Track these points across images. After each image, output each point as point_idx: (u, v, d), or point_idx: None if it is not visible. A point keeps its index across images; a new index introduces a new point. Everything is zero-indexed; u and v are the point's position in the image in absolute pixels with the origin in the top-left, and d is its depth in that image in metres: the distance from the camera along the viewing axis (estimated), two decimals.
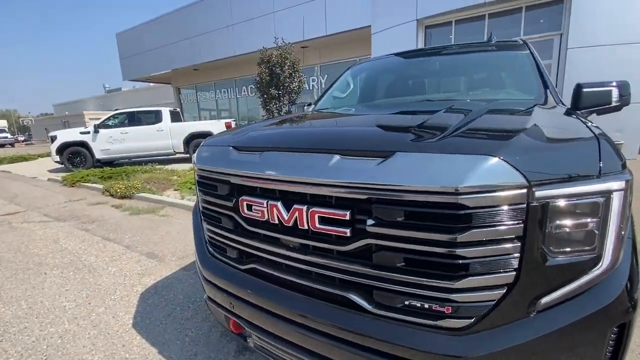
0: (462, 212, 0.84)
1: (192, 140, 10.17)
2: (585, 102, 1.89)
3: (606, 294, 0.89)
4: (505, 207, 0.84)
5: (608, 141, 0.94)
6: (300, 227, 1.07)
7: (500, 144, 0.90)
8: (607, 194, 0.85)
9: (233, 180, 1.25)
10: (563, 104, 1.85)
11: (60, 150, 9.50)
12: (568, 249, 0.88)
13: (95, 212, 5.22)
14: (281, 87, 8.22)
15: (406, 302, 0.97)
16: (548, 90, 1.89)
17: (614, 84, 1.87)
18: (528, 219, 0.84)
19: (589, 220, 0.86)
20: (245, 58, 14.16)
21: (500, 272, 0.88)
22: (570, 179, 0.85)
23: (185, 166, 9.04)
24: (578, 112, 1.71)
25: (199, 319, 2.28)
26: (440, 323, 0.94)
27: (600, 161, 0.87)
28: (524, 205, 0.84)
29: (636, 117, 5.59)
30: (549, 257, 0.87)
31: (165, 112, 10.41)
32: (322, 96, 2.90)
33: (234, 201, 1.26)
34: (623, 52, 6.28)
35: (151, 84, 28.54)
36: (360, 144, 1.07)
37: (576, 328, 0.88)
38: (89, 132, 9.68)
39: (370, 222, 0.95)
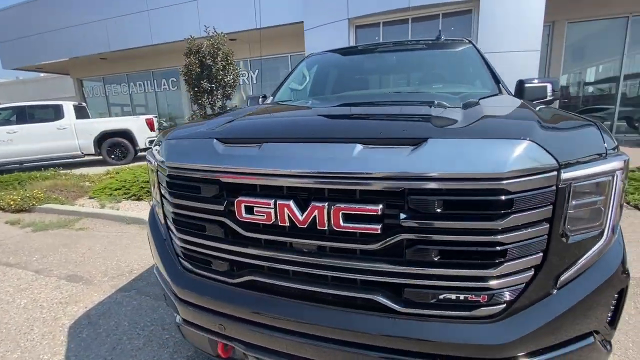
0: (505, 197, 0.82)
1: (106, 140, 8.81)
2: (528, 96, 2.12)
3: (610, 264, 0.98)
4: (540, 190, 0.85)
5: (601, 126, 1.03)
6: (319, 227, 0.94)
7: (527, 128, 0.91)
8: (612, 173, 0.93)
9: (224, 178, 1.04)
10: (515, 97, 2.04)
11: None
12: (582, 227, 0.94)
13: (21, 236, 4.11)
14: (214, 80, 7.62)
15: (440, 297, 0.92)
16: (500, 84, 2.07)
17: (549, 80, 2.14)
18: (557, 200, 0.87)
19: (599, 198, 0.93)
20: (164, 48, 12.81)
21: (532, 255, 0.89)
22: (588, 161, 0.90)
23: (98, 170, 7.76)
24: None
25: (155, 346, 1.94)
26: (474, 313, 0.92)
27: (604, 142, 0.94)
28: (554, 188, 0.86)
29: None
30: (569, 235, 0.91)
31: (68, 107, 8.80)
32: (279, 88, 2.73)
33: (224, 204, 1.05)
34: (520, 58, 7.45)
35: (42, 75, 23.96)
36: (384, 131, 0.99)
37: (590, 299, 0.94)
38: None
39: (404, 215, 0.88)
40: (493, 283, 0.89)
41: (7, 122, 8.25)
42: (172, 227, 1.26)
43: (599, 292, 0.95)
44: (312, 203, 0.93)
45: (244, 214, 1.02)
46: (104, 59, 15.07)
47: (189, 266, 1.25)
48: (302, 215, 0.94)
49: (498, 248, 0.86)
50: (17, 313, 2.33)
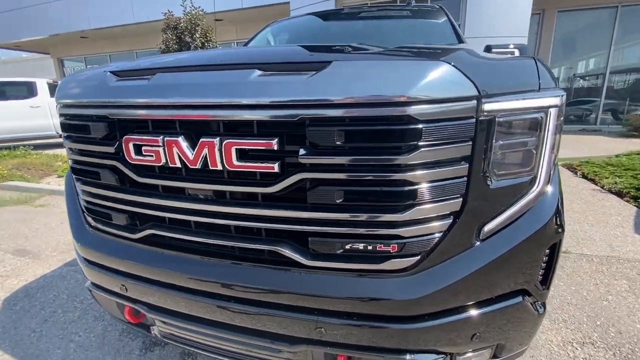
0: (413, 126, 0.70)
1: None
2: None
3: (541, 217, 0.87)
4: (456, 122, 0.73)
5: (540, 61, 0.91)
6: (212, 167, 0.81)
7: (449, 54, 0.79)
8: (545, 110, 0.82)
9: (113, 113, 0.90)
10: None
11: None
12: (509, 171, 0.83)
13: None
14: None
15: (347, 247, 0.81)
16: (463, 44, 1.95)
17: (517, 46, 2.02)
18: (476, 135, 0.75)
19: (529, 138, 0.82)
20: (147, 27, 12.29)
21: (448, 199, 0.78)
22: (515, 92, 0.78)
23: None
24: None
25: (90, 319, 1.82)
26: (384, 266, 0.81)
27: (539, 78, 0.83)
28: (473, 120, 0.74)
29: None
30: (494, 179, 0.81)
31: (42, 84, 8.40)
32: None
33: (116, 144, 0.92)
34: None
35: (24, 55, 23.06)
36: (286, 57, 0.86)
37: (517, 253, 0.84)
38: None
39: (303, 151, 0.76)
40: (403, 230, 0.78)
41: None
42: (74, 177, 1.12)
43: (527, 246, 0.85)
44: (202, 138, 0.80)
45: (133, 155, 0.89)
46: (84, 38, 14.48)
47: (92, 222, 1.12)
48: (192, 154, 0.82)
49: (406, 188, 0.74)
50: None
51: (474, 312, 0.85)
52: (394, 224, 0.77)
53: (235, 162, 0.79)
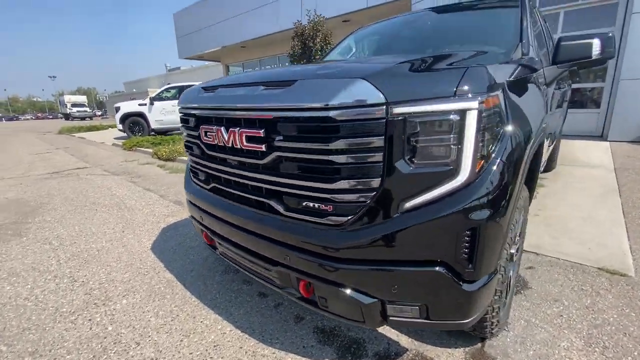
0: (332, 124, 1.04)
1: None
2: (563, 56, 1.87)
3: (458, 202, 1.04)
4: (369, 121, 1.02)
5: (480, 71, 1.05)
6: (235, 146, 1.35)
7: (368, 71, 1.08)
8: (461, 112, 0.99)
9: (198, 113, 1.55)
10: (531, 57, 1.84)
11: (123, 119, 10.79)
12: (425, 161, 1.04)
13: (143, 170, 6.04)
14: (312, 60, 8.38)
15: (304, 204, 1.21)
16: (521, 43, 1.88)
17: (596, 37, 1.81)
18: (387, 132, 1.02)
19: (443, 135, 1.01)
20: (287, 34, 14.35)
21: (367, 178, 1.07)
22: (423, 99, 1.00)
23: None
24: (529, 64, 1.72)
25: (202, 248, 2.73)
26: (325, 220, 1.17)
27: (458, 85, 1.00)
28: (384, 120, 1.01)
29: None
30: (409, 166, 1.04)
31: None
32: (322, 58, 3.08)
33: (198, 131, 1.57)
34: None
35: (206, 63, 30.18)
36: (279, 77, 1.30)
37: (431, 228, 1.05)
38: (145, 104, 10.81)
39: (278, 138, 1.20)
40: (334, 196, 1.12)
41: (173, 97, 11.14)
42: (185, 151, 1.88)
43: (443, 224, 1.05)
44: (230, 128, 1.34)
45: (204, 138, 1.51)
46: (243, 47, 17.99)
47: (192, 177, 1.85)
48: (226, 138, 1.37)
49: (333, 166, 1.08)
50: (141, 216, 3.57)
51: (391, 267, 1.11)
52: (327, 191, 1.12)
53: (245, 143, 1.30)
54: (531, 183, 1.85)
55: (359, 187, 1.09)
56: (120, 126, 10.96)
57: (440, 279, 1.09)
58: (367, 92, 1.01)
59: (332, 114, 1.04)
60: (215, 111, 1.43)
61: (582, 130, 7.10)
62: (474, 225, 1.04)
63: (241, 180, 1.42)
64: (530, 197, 1.91)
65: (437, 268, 1.08)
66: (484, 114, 1.01)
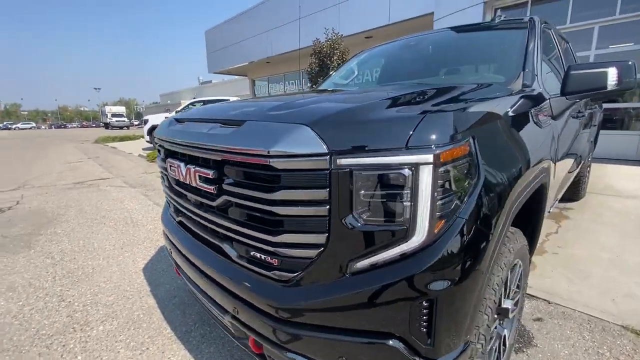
0: (272, 173, 0.94)
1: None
2: (573, 86, 1.67)
3: (412, 268, 0.89)
4: (311, 172, 0.91)
5: (440, 118, 0.92)
6: (192, 184, 1.28)
7: (315, 116, 0.97)
8: (413, 166, 0.86)
9: (165, 145, 1.51)
10: (533, 87, 1.66)
11: (150, 131, 11.29)
12: (375, 218, 0.91)
13: (158, 183, 6.21)
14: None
15: (252, 253, 1.11)
16: (524, 72, 1.71)
17: (612, 64, 1.61)
18: (332, 184, 0.90)
19: (394, 192, 0.88)
20: (309, 51, 14.60)
21: (312, 232, 0.96)
22: (371, 150, 0.88)
23: None
24: (531, 95, 1.54)
25: None
26: (271, 274, 1.06)
27: (410, 135, 0.87)
28: (327, 172, 0.90)
29: None
30: (358, 223, 0.92)
31: (230, 99, 11.51)
32: (324, 81, 3.02)
33: (166, 163, 1.53)
34: None
35: (236, 77, 31.39)
36: (235, 115, 1.23)
37: (381, 295, 0.91)
38: None
39: (227, 181, 1.11)
40: (279, 249, 1.01)
41: None
42: (161, 181, 1.85)
43: (395, 293, 0.91)
44: (187, 165, 1.28)
45: (170, 171, 1.47)
46: (268, 62, 18.49)
47: (168, 209, 1.81)
48: (184, 174, 1.31)
49: (274, 217, 0.98)
50: (144, 233, 3.61)
51: (337, 336, 0.97)
52: (272, 243, 1.02)
53: (199, 182, 1.23)
54: (533, 226, 1.64)
55: (303, 242, 0.98)
56: (147, 137, 11.46)
57: (395, 355, 0.93)
58: (309, 140, 0.91)
59: (272, 161, 0.94)
60: (177, 146, 1.38)
61: (618, 153, 6.51)
62: (430, 295, 0.89)
63: (199, 220, 1.35)
64: (534, 243, 1.70)
65: (390, 342, 0.93)
66: (442, 169, 0.87)
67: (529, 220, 1.64)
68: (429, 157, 0.85)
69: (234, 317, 1.20)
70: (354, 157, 0.88)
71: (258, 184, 1.00)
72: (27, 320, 2.11)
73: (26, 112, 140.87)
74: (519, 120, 1.32)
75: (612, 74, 1.58)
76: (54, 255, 3.08)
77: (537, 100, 1.57)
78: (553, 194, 1.90)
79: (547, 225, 3.34)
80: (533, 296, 2.20)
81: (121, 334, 1.96)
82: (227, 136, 1.09)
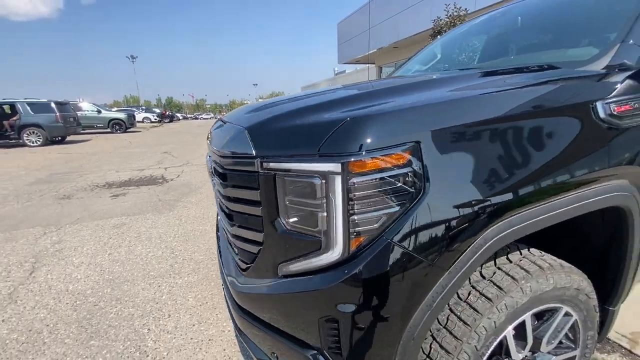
0: (221, 170, 1.04)
1: None
2: None
3: (322, 283, 0.84)
4: (247, 173, 0.96)
5: (363, 122, 0.79)
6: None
7: (252, 120, 0.99)
8: (323, 175, 0.80)
9: None
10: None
11: None
12: (298, 225, 0.88)
13: None
14: None
15: (229, 238, 1.25)
16: (622, 43, 1.18)
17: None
18: (261, 187, 0.93)
19: (309, 200, 0.84)
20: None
21: (253, 230, 1.01)
22: (290, 156, 0.85)
23: None
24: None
25: None
26: (237, 259, 1.17)
27: (324, 143, 0.80)
28: (257, 175, 0.93)
29: None
30: (283, 227, 0.92)
31: None
32: (402, 64, 2.82)
33: None
34: None
35: (366, 66, 31.88)
36: (230, 116, 1.35)
37: (294, 305, 0.91)
38: None
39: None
40: (234, 240, 1.11)
41: None
42: None
43: (303, 305, 0.88)
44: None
45: None
46: (396, 48, 17.92)
47: None
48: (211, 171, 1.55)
49: (229, 211, 1.08)
50: None
51: (269, 331, 1.01)
52: (230, 232, 1.13)
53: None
54: (613, 269, 1.18)
55: (247, 236, 1.05)
56: None
57: None
58: (244, 143, 0.96)
59: (221, 161, 1.04)
60: None
61: None
62: (333, 315, 0.83)
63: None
64: (615, 290, 1.21)
65: (309, 353, 0.91)
66: (358, 180, 0.77)
67: (606, 260, 1.19)
68: (337, 167, 0.77)
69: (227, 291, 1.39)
70: (276, 162, 0.88)
71: (220, 181, 1.12)
72: (147, 262, 2.92)
73: (209, 106, 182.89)
74: (547, 119, 0.94)
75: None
76: (182, 218, 4.07)
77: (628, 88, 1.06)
78: None
79: None
80: (610, 341, 1.56)
81: (196, 286, 2.48)
82: (218, 135, 1.25)
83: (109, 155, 9.93)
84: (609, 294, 1.24)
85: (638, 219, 1.10)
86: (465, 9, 7.77)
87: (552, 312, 1.09)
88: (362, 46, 19.73)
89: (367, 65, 28.83)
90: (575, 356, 1.19)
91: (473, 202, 0.82)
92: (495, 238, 0.84)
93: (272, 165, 0.89)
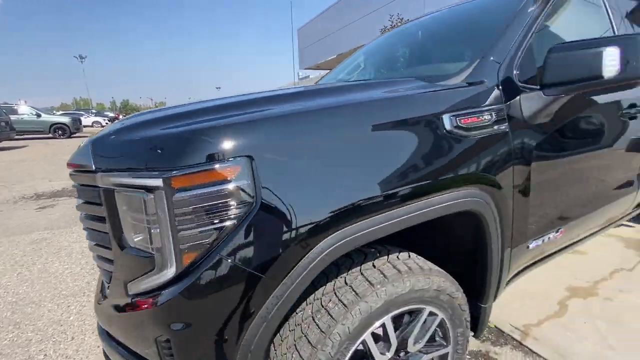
0: (73, 185, 0.99)
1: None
2: (553, 76, 1.19)
3: (159, 300, 0.81)
4: (90, 188, 0.92)
5: (190, 135, 0.79)
6: None
7: (104, 131, 0.96)
8: (150, 191, 0.77)
9: None
10: (484, 81, 1.22)
11: None
12: (140, 242, 0.85)
13: None
14: None
15: None
16: (481, 60, 1.28)
17: (613, 41, 1.08)
18: (103, 202, 0.89)
19: (139, 215, 0.81)
20: None
21: (103, 247, 0.96)
22: (120, 170, 0.82)
23: None
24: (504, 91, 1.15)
25: None
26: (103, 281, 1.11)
27: (151, 156, 0.78)
28: (98, 189, 0.89)
29: None
30: (128, 244, 0.88)
31: None
32: (326, 75, 2.87)
33: None
34: None
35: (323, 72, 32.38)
36: None
37: (129, 320, 0.89)
38: None
39: None
40: (95, 261, 1.05)
41: None
42: None
43: (144, 325, 0.85)
44: None
45: None
46: None
47: None
48: None
49: (84, 227, 1.02)
50: None
51: (126, 353, 0.96)
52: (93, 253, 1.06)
53: None
54: (481, 267, 1.26)
55: (102, 254, 0.99)
56: None
57: None
58: (87, 155, 0.91)
59: (71, 175, 0.98)
60: None
61: None
62: (163, 334, 0.81)
63: None
64: (483, 289, 1.30)
65: None
66: (183, 195, 0.75)
67: (474, 260, 1.27)
68: (159, 181, 0.75)
69: None
70: (113, 176, 0.85)
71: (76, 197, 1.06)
72: (61, 280, 2.70)
73: None
74: (387, 130, 0.97)
75: (610, 56, 1.03)
76: None
77: (474, 100, 1.15)
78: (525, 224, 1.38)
79: (624, 257, 2.48)
80: (534, 352, 1.69)
81: None
82: None
83: (45, 163, 9.14)
84: (479, 292, 1.33)
85: (493, 223, 1.19)
86: (408, 19, 8.18)
87: (416, 313, 1.14)
88: (322, 52, 20.03)
89: (328, 70, 29.38)
90: (447, 353, 1.26)
91: (306, 215, 0.83)
92: (331, 248, 0.86)
93: (111, 179, 0.85)
